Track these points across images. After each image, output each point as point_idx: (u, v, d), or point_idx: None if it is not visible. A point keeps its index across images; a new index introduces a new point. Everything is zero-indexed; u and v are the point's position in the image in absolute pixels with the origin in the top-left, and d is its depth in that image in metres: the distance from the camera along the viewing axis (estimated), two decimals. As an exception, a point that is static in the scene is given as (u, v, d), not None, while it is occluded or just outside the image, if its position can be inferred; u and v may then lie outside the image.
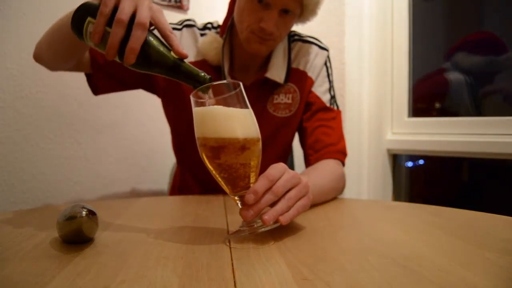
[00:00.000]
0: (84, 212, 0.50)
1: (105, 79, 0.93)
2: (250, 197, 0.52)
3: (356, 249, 0.50)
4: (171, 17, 1.50)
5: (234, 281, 0.40)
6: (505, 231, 0.60)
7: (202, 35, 0.97)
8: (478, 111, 1.43)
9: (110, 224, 0.63)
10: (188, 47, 0.95)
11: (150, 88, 0.99)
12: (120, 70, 0.92)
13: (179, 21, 0.98)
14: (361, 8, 1.52)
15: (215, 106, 0.53)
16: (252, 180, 0.55)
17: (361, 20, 1.52)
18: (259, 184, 0.53)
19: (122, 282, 0.39)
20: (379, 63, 1.54)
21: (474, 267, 0.43)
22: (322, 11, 1.56)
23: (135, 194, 1.45)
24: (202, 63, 0.95)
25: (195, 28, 0.97)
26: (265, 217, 0.53)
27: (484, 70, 1.40)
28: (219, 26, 0.99)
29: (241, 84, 0.54)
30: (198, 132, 0.55)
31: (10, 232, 0.58)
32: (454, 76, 1.47)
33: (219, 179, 0.56)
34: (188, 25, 0.97)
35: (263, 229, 0.53)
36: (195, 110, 0.55)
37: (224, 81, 0.57)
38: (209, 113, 0.54)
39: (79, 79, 1.29)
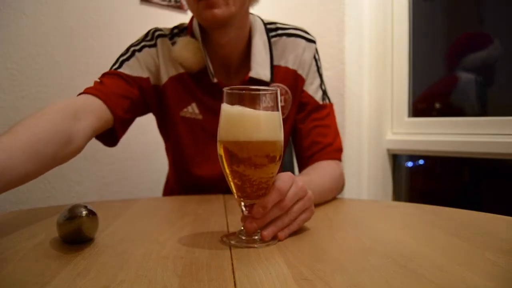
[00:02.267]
0: (84, 212, 0.50)
1: (125, 128, 0.89)
2: (258, 211, 0.52)
3: (356, 249, 0.50)
4: (171, 17, 1.50)
5: (234, 281, 0.40)
6: (505, 231, 0.60)
7: (172, 44, 0.91)
8: (484, 110, 1.45)
9: (110, 224, 0.63)
10: (166, 61, 0.90)
11: (148, 111, 0.97)
12: (134, 111, 0.89)
13: (146, 34, 0.92)
14: (361, 8, 1.52)
15: (247, 109, 0.52)
16: (263, 191, 0.55)
17: (361, 20, 1.52)
18: (269, 199, 0.53)
19: (122, 282, 0.39)
20: (379, 63, 1.53)
21: (474, 267, 0.43)
22: (322, 11, 1.57)
23: (135, 194, 1.45)
24: (180, 77, 0.90)
25: (166, 38, 0.92)
26: (264, 233, 0.53)
27: (488, 62, 1.43)
28: (186, 28, 0.94)
29: (278, 90, 0.54)
30: (222, 134, 0.53)
31: (10, 232, 0.58)
32: (464, 75, 1.49)
33: (231, 183, 0.55)
34: (159, 35, 0.92)
35: (259, 246, 0.52)
36: (225, 108, 0.53)
37: (260, 87, 0.54)
38: (239, 116, 0.52)
39: (79, 78, 1.29)
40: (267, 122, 0.53)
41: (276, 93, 0.54)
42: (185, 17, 1.53)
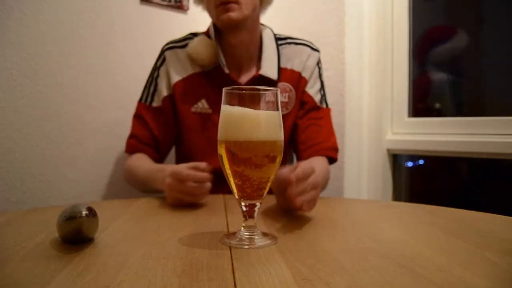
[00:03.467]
0: (84, 212, 0.50)
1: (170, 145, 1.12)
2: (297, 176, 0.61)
3: (356, 249, 0.50)
4: (171, 17, 1.49)
5: (234, 281, 0.40)
6: (505, 231, 0.60)
7: (183, 46, 1.03)
8: (459, 110, 1.46)
9: (110, 224, 0.63)
10: (175, 67, 1.02)
11: None
12: (168, 132, 1.07)
13: (159, 54, 1.06)
14: (361, 8, 1.52)
15: (247, 109, 0.52)
16: (263, 191, 0.55)
17: (361, 20, 1.52)
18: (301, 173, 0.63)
19: (122, 282, 0.39)
20: (379, 63, 1.53)
21: (474, 267, 0.43)
22: (322, 11, 1.57)
23: (135, 194, 1.45)
24: (190, 78, 1.01)
25: (175, 49, 1.04)
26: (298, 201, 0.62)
27: (453, 54, 1.48)
28: (202, 33, 1.05)
29: (278, 90, 0.55)
30: (223, 134, 0.54)
31: (10, 232, 0.58)
32: (436, 75, 1.50)
33: (231, 183, 0.55)
34: (168, 48, 1.05)
35: (259, 246, 0.52)
36: (225, 108, 0.54)
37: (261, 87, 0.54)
38: (239, 116, 0.52)
39: (79, 78, 1.29)
40: (267, 121, 0.53)
41: (276, 93, 0.54)
42: (185, 17, 1.53)
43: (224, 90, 0.54)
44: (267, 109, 0.53)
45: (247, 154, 0.52)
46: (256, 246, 0.52)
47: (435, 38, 1.50)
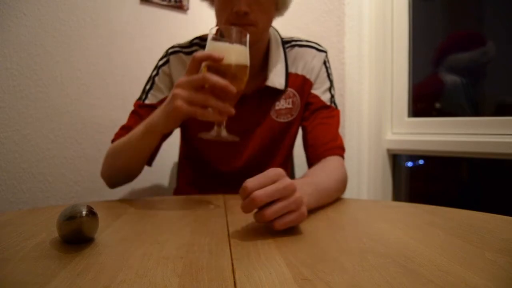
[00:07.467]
0: (84, 212, 0.50)
1: (156, 150, 0.98)
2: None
3: (356, 249, 0.50)
4: (171, 17, 1.50)
5: (234, 281, 0.40)
6: (505, 231, 0.60)
7: (189, 53, 0.98)
8: (475, 111, 1.45)
9: (110, 224, 0.63)
10: (180, 72, 0.97)
11: None
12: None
13: (162, 55, 1.01)
14: (360, 8, 1.52)
15: (222, 43, 0.72)
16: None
17: (361, 20, 1.52)
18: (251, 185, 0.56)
19: (122, 282, 0.39)
20: (379, 63, 1.53)
21: (474, 267, 0.43)
22: (322, 11, 1.57)
23: (135, 194, 1.45)
24: None
25: (181, 54, 0.98)
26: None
27: (473, 64, 1.44)
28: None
29: (247, 35, 0.73)
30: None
31: (10, 232, 0.58)
32: (449, 77, 1.49)
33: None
34: (173, 52, 0.99)
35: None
36: (209, 42, 0.73)
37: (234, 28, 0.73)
38: (217, 46, 0.73)
39: (79, 79, 1.29)
40: (237, 51, 0.72)
41: (241, 31, 0.73)
42: (185, 17, 1.53)
43: (210, 30, 0.71)
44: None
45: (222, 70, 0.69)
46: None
47: (458, 45, 1.47)
